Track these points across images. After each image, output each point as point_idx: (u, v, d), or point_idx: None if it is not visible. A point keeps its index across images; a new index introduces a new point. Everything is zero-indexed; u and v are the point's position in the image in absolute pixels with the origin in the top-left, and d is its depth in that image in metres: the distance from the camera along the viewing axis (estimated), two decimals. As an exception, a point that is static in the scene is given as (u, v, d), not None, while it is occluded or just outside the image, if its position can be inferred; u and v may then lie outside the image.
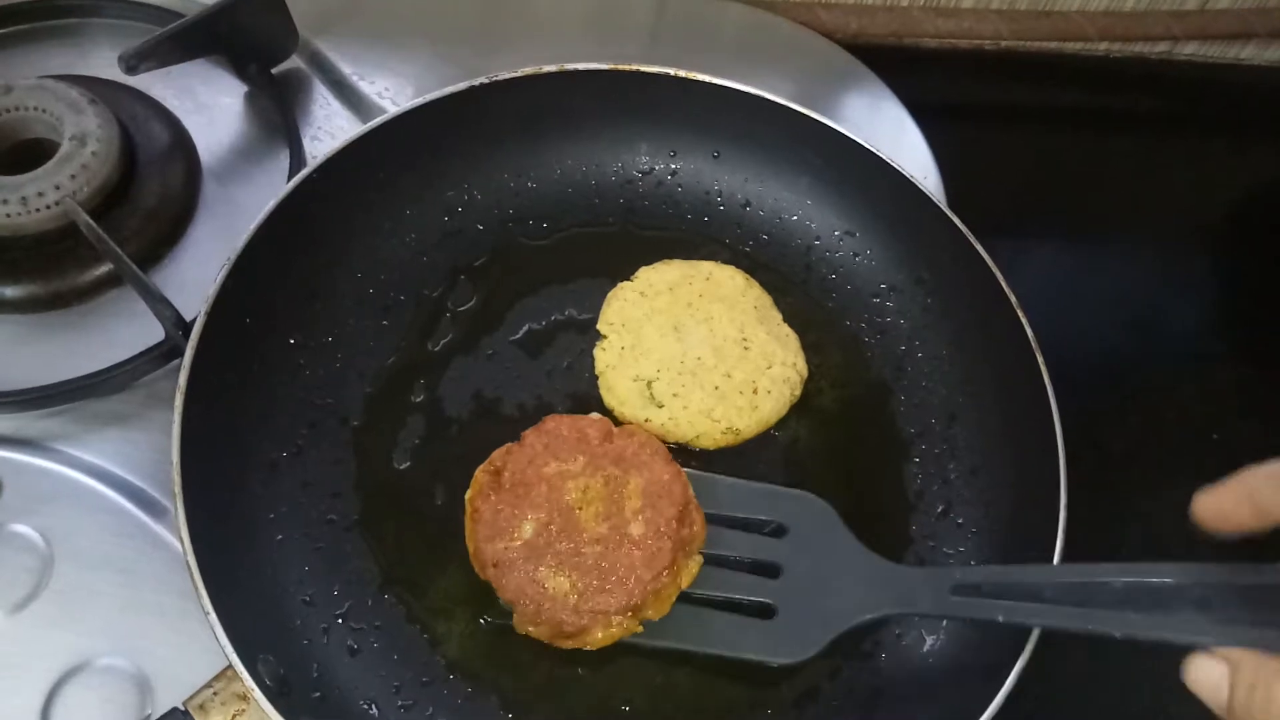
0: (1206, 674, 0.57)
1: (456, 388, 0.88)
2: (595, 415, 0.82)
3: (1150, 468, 1.00)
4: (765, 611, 0.78)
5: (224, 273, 0.80)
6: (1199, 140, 1.27)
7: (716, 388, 0.87)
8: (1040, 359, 0.84)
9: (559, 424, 0.80)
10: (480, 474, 0.79)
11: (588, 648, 0.75)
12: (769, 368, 0.88)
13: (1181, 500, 0.97)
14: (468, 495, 0.79)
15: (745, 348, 0.89)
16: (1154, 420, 1.03)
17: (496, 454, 0.80)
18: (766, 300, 0.92)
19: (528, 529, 0.76)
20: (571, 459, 0.78)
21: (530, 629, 0.76)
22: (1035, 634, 0.73)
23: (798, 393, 0.89)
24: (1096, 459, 0.89)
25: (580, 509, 0.77)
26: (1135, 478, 0.99)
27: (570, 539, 0.76)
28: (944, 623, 0.82)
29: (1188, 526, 0.96)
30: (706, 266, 0.93)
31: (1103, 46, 1.27)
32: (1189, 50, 1.28)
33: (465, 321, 0.91)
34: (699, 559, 0.79)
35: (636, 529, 0.76)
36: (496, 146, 0.95)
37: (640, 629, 0.76)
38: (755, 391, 0.87)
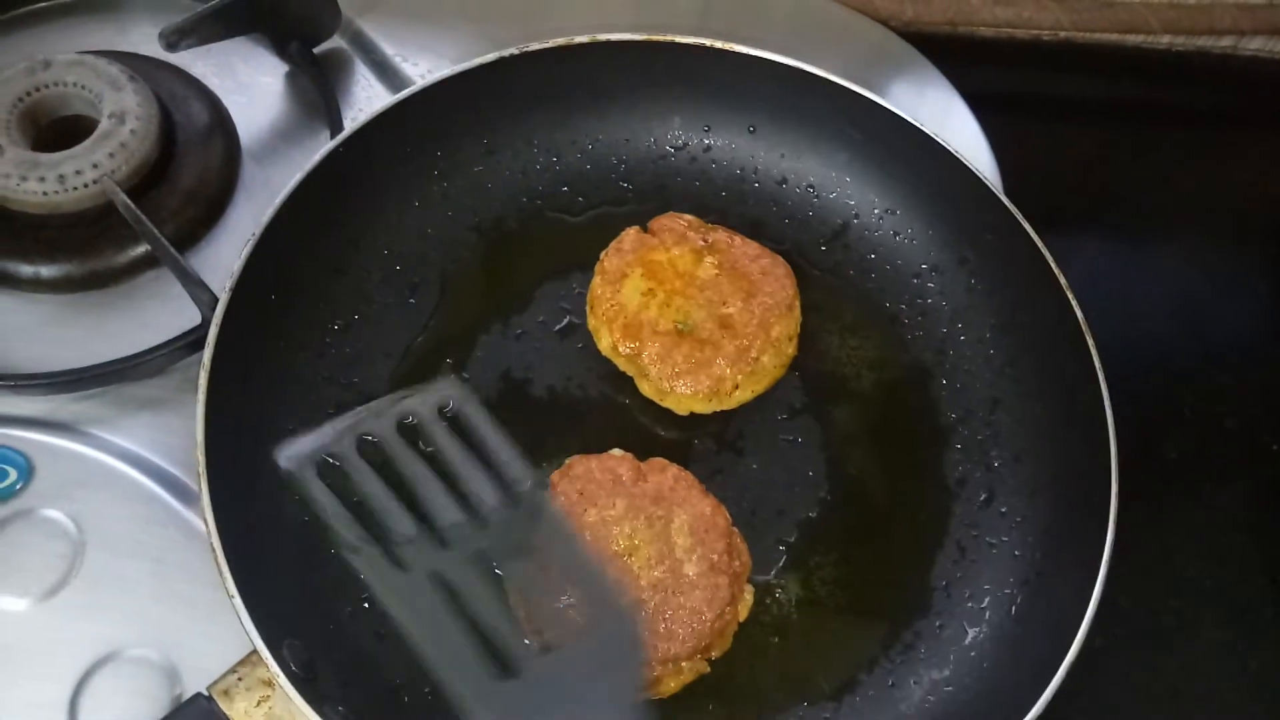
0: None
1: (485, 368, 0.87)
2: (617, 451, 0.80)
3: (1205, 475, 0.97)
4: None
5: (248, 249, 0.79)
6: (1263, 138, 1.23)
7: None
8: (1091, 342, 0.81)
9: (588, 466, 0.78)
10: None
11: (661, 697, 0.74)
12: None
13: (1236, 509, 0.94)
14: None
15: None
16: (1209, 425, 1.00)
17: None
18: None
19: None
20: (609, 504, 0.77)
21: None
22: (1084, 625, 0.72)
23: None
24: (1146, 461, 0.87)
25: (630, 556, 0.75)
26: (1188, 483, 0.96)
27: (627, 590, 0.74)
28: (986, 614, 0.80)
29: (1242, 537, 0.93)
30: None
31: (1165, 40, 1.24)
32: (1255, 45, 1.24)
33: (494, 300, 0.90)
34: (750, 588, 0.78)
35: (691, 569, 0.75)
36: (526, 120, 0.94)
37: (708, 669, 0.75)
38: None
